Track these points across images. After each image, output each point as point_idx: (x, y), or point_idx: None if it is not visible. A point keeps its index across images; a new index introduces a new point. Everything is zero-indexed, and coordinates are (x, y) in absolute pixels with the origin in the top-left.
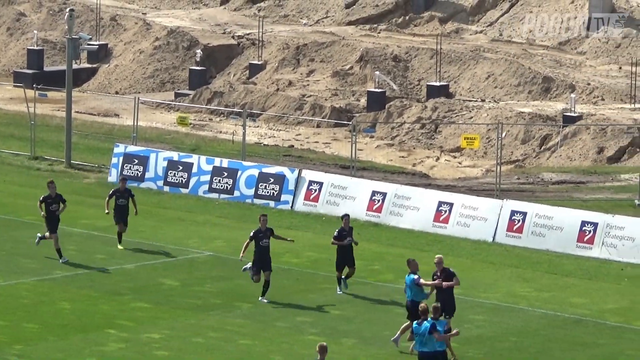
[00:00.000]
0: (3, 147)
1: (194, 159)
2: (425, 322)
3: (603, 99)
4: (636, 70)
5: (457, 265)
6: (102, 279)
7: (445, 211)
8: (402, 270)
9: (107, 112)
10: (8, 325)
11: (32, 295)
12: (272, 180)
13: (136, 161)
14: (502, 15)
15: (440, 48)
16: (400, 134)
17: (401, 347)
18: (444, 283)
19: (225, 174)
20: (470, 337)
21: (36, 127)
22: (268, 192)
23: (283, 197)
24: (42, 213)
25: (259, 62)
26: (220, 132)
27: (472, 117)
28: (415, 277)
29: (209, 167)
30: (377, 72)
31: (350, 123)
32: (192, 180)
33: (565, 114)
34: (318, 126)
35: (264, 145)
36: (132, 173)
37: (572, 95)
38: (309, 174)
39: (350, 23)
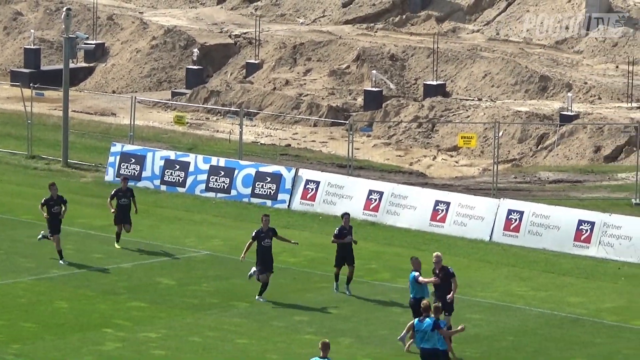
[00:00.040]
0: (0, 147)
1: (190, 158)
2: (427, 318)
3: (600, 98)
4: (633, 69)
5: (454, 264)
6: (99, 278)
7: (442, 210)
8: (399, 270)
9: (104, 111)
10: (5, 325)
11: (29, 295)
12: (269, 179)
13: (133, 160)
14: (499, 14)
15: (437, 47)
16: (397, 133)
17: (401, 346)
18: (447, 297)
19: (222, 173)
20: (467, 336)
21: (33, 126)
22: (265, 191)
23: (280, 196)
24: (45, 215)
25: (256, 61)
26: (217, 131)
27: (469, 116)
28: (416, 274)
29: (206, 166)
30: (374, 71)
31: (347, 122)
32: (189, 180)
33: (562, 113)
34: (315, 125)
35: (261, 144)
36: (129, 172)
37: (569, 94)
38: (305, 173)
39: (347, 22)
